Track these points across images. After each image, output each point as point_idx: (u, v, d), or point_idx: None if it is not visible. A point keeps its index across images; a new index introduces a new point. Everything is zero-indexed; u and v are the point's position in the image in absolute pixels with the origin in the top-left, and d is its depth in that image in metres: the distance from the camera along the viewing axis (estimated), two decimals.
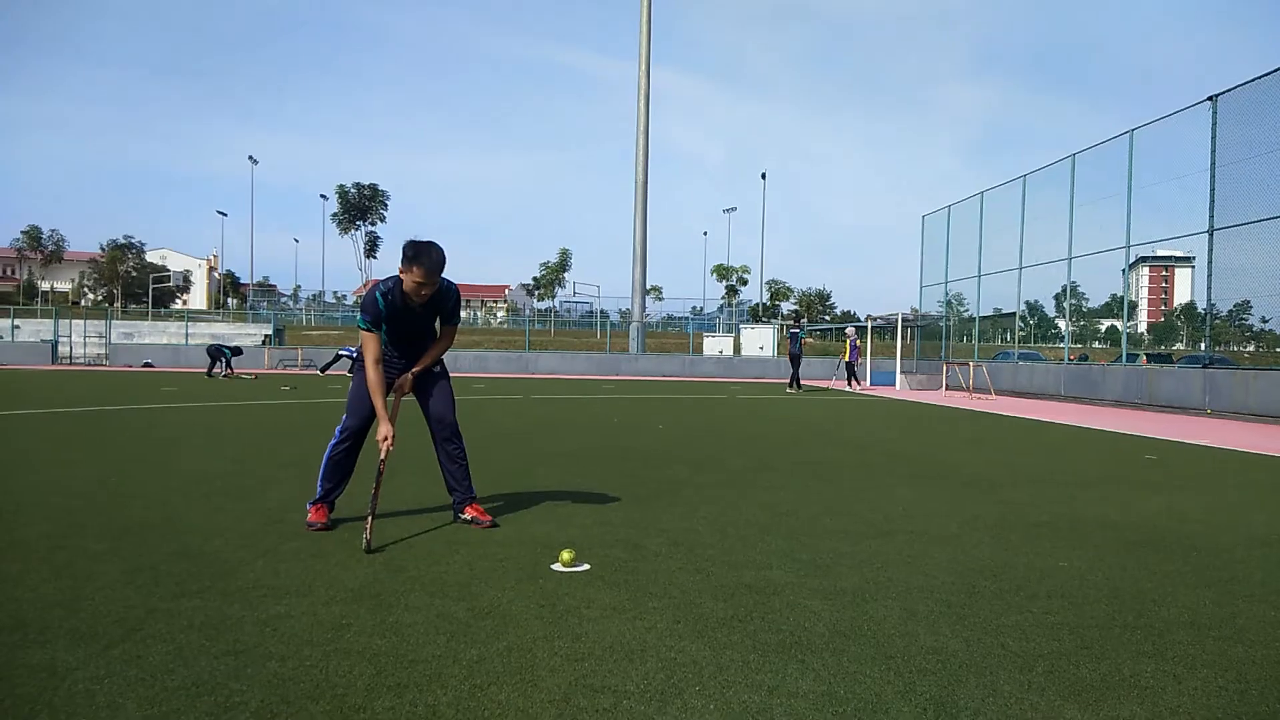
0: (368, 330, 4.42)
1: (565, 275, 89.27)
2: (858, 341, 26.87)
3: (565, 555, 3.83)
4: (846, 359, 26.40)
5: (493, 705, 2.35)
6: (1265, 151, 15.91)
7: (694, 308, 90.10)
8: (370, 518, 4.18)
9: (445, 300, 4.58)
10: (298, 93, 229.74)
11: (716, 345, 46.60)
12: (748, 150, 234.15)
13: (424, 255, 4.29)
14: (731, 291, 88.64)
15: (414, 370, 4.64)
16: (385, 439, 4.35)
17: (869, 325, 31.36)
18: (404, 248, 4.34)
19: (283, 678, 2.50)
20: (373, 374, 4.39)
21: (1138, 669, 2.72)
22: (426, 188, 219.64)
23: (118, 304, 79.42)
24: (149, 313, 70.34)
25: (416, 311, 4.51)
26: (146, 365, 35.67)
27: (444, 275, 4.44)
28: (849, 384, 26.23)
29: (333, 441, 4.60)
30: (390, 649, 2.76)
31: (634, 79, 39.01)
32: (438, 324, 4.75)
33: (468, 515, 4.73)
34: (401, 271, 4.36)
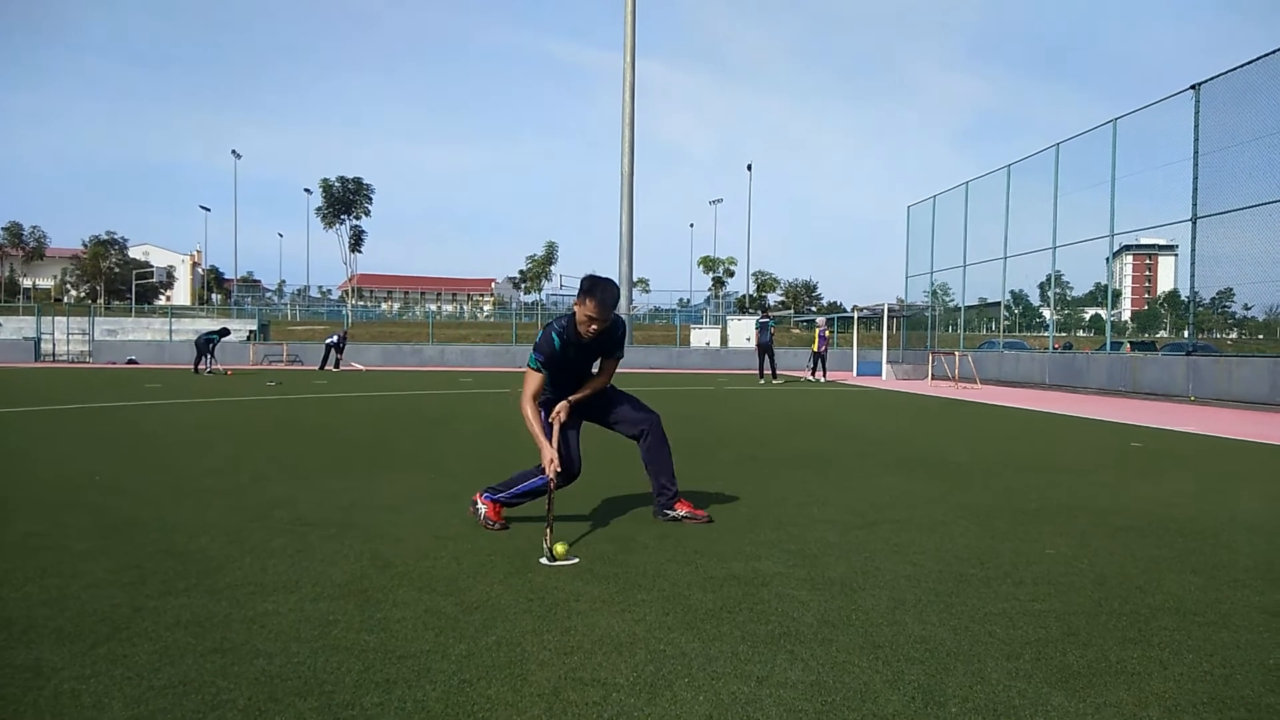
0: (536, 369, 4.39)
1: (552, 268, 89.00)
2: (826, 332, 26.69)
3: (559, 548, 3.83)
4: (816, 349, 26.14)
5: (482, 700, 2.35)
6: (1247, 140, 16.03)
7: (681, 300, 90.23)
8: (548, 533, 4.01)
9: (613, 334, 4.53)
10: (281, 86, 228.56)
11: (704, 337, 46.65)
12: (735, 142, 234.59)
13: (599, 289, 4.29)
14: (718, 283, 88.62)
15: (571, 399, 4.54)
16: (551, 461, 4.29)
17: (855, 316, 31.39)
18: (582, 282, 4.36)
19: (270, 675, 2.49)
20: (530, 410, 4.40)
21: (1124, 655, 2.74)
22: (412, 180, 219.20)
23: (101, 301, 78.80)
24: (132, 309, 69.82)
25: (587, 347, 4.47)
26: (131, 362, 35.44)
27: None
28: (812, 374, 26.03)
29: (541, 479, 4.45)
30: (378, 645, 2.75)
31: (620, 70, 39.09)
32: (595, 364, 4.69)
33: (680, 512, 4.67)
34: (577, 304, 4.35)
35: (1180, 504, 5.51)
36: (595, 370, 4.71)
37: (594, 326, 4.33)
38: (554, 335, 4.37)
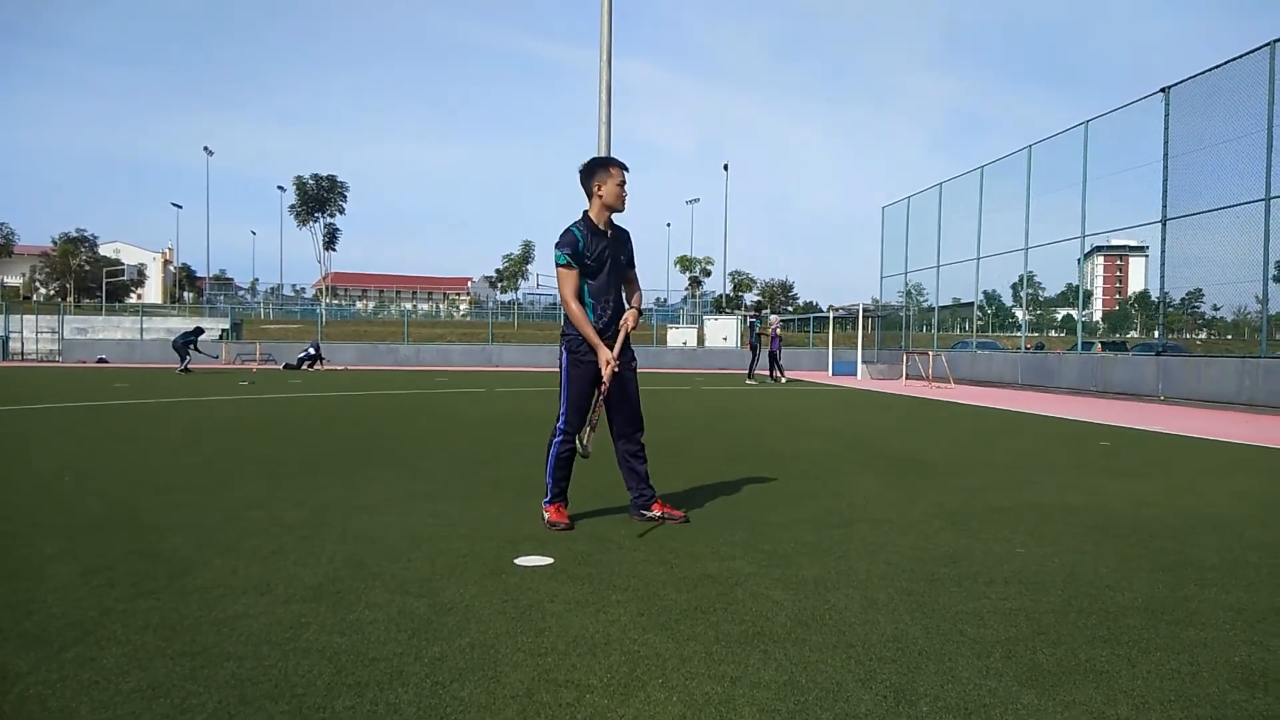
0: (567, 265, 4.39)
1: (528, 267, 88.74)
2: (778, 330, 26.02)
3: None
4: (770, 349, 25.45)
5: (455, 702, 2.34)
6: (1216, 143, 16.23)
7: (657, 299, 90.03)
8: (590, 430, 4.34)
9: (628, 241, 4.62)
10: (255, 82, 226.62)
11: (680, 336, 46.64)
12: (711, 141, 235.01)
13: (610, 160, 4.47)
14: (695, 283, 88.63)
15: (632, 304, 4.62)
16: (608, 363, 4.36)
17: (830, 316, 31.51)
18: (585, 166, 4.45)
19: (241, 678, 2.47)
20: (576, 307, 4.40)
21: (1092, 654, 2.77)
22: (387, 178, 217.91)
23: (70, 299, 77.78)
24: (103, 307, 68.97)
25: (606, 243, 4.48)
26: (101, 361, 35.02)
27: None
28: (771, 374, 25.07)
29: (556, 440, 4.54)
30: (350, 647, 2.73)
31: (596, 67, 38.95)
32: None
33: (656, 513, 4.69)
34: (597, 187, 4.41)
35: (1150, 503, 5.58)
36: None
37: (625, 192, 4.46)
38: (575, 230, 4.43)
